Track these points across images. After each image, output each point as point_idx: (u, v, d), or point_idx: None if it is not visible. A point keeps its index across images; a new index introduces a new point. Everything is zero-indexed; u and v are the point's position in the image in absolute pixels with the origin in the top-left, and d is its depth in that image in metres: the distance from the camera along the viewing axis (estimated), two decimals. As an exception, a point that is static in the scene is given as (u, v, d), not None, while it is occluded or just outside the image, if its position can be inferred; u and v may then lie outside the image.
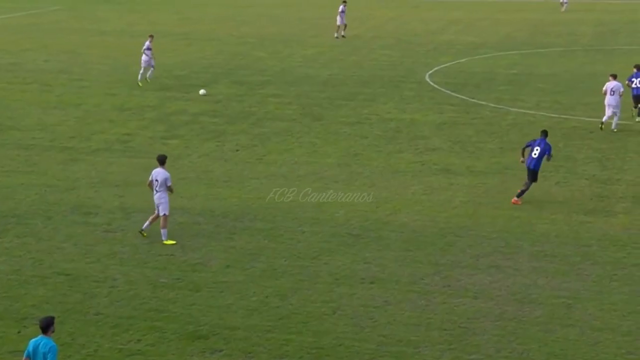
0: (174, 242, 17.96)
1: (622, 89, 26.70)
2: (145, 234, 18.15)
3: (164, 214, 17.92)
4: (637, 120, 28.04)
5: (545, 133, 20.87)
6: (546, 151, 20.36)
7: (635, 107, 27.82)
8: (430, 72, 37.18)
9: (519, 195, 20.47)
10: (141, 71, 34.32)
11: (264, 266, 17.02)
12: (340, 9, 47.39)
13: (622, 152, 24.46)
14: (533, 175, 20.41)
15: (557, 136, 26.20)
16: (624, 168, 22.96)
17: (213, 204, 20.52)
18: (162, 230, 18.03)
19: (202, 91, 32.50)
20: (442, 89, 33.58)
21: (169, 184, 17.96)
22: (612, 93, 26.65)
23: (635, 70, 28.03)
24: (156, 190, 17.92)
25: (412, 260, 17.23)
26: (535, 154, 20.36)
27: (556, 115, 28.88)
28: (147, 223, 18.23)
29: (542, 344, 13.92)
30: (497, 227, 18.96)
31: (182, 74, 36.66)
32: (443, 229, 18.86)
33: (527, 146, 20.85)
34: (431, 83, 34.83)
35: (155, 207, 18.02)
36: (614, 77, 27.09)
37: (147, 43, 34.28)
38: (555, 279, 16.26)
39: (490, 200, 20.77)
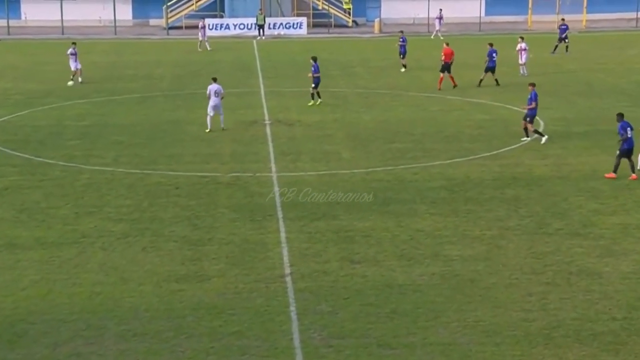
0: None
1: (222, 92, 35.54)
2: None
3: None
4: None
5: (621, 115, 28.30)
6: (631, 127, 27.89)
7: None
8: (-15, 127, 35.95)
9: (615, 170, 27.83)
10: None
11: None
12: (69, 52, 46.43)
13: (212, 207, 25.64)
14: (629, 152, 27.84)
15: (140, 194, 26.77)
16: (215, 226, 24.06)
17: None
18: None
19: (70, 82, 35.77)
20: (1, 148, 32.57)
21: None
22: (215, 95, 35.08)
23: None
24: None
25: (-26, 360, 16.36)
26: (630, 135, 27.64)
27: (137, 171, 29.50)
28: None
29: None
30: (77, 308, 18.72)
31: None
32: (10, 317, 18.16)
33: (621, 136, 27.75)
34: (-14, 141, 33.67)
35: None
36: (215, 80, 35.84)
37: None
38: (147, 361, 16.45)
39: (66, 276, 20.47)
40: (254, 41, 67.58)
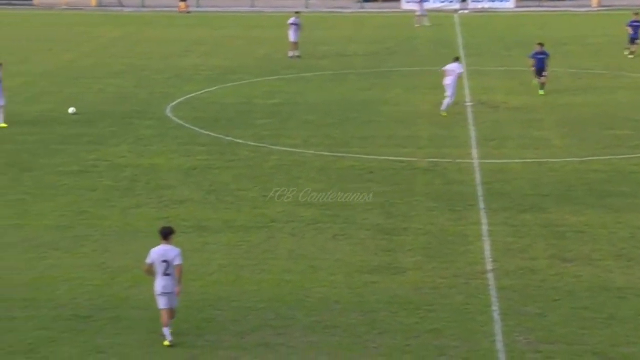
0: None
1: (457, 72, 35.07)
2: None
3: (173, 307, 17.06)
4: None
5: None
6: None
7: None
8: (173, 104, 37.37)
9: None
10: None
11: (-38, 368, 16.23)
12: (291, 21, 48.05)
13: (408, 195, 25.73)
14: None
15: (332, 178, 27.18)
16: (411, 214, 24.14)
17: None
18: (166, 329, 16.99)
19: (71, 109, 34.60)
20: (189, 126, 33.82)
21: (178, 262, 16.90)
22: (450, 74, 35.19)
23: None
24: (167, 275, 16.84)
25: (161, 344, 17.06)
26: None
27: (329, 153, 29.96)
28: (167, 330, 17.02)
29: None
30: (265, 296, 19.23)
31: None
32: (199, 302, 18.84)
33: None
34: (175, 119, 34.99)
35: (165, 301, 16.92)
36: (457, 59, 36.20)
37: None
38: (337, 356, 16.69)
39: (255, 262, 21.08)
40: (455, 15, 67.16)
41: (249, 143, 31.33)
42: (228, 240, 22.36)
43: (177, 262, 16.97)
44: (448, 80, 35.01)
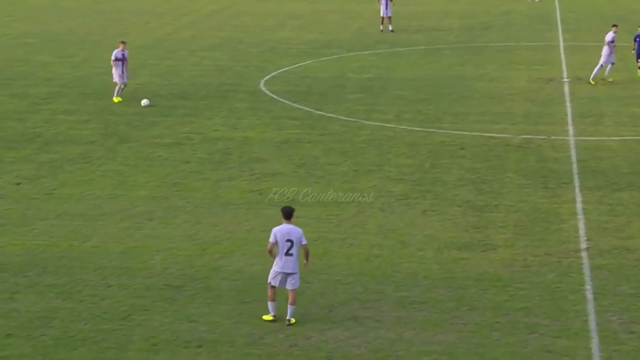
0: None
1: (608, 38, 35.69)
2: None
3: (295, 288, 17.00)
4: None
5: None
6: None
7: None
8: (267, 78, 37.54)
9: None
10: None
11: (57, 333, 16.56)
12: None
13: (500, 171, 25.48)
14: None
15: (423, 154, 27.05)
16: (502, 191, 23.91)
17: (-13, 255, 19.89)
18: (290, 308, 16.99)
19: (144, 101, 32.85)
20: (282, 99, 33.95)
21: (305, 242, 16.99)
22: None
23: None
24: (289, 254, 16.84)
25: (250, 315, 17.23)
26: None
27: (420, 129, 29.80)
28: (272, 304, 17.06)
29: (413, 412, 14.21)
30: (354, 270, 19.26)
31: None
32: (287, 275, 18.99)
33: None
34: (268, 92, 35.17)
35: (279, 279, 16.87)
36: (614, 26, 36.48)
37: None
38: (425, 331, 16.63)
39: (344, 235, 21.11)
40: (554, -10, 66.10)
41: (340, 117, 31.33)
42: (317, 214, 22.42)
43: (304, 242, 16.94)
44: (605, 50, 35.60)
